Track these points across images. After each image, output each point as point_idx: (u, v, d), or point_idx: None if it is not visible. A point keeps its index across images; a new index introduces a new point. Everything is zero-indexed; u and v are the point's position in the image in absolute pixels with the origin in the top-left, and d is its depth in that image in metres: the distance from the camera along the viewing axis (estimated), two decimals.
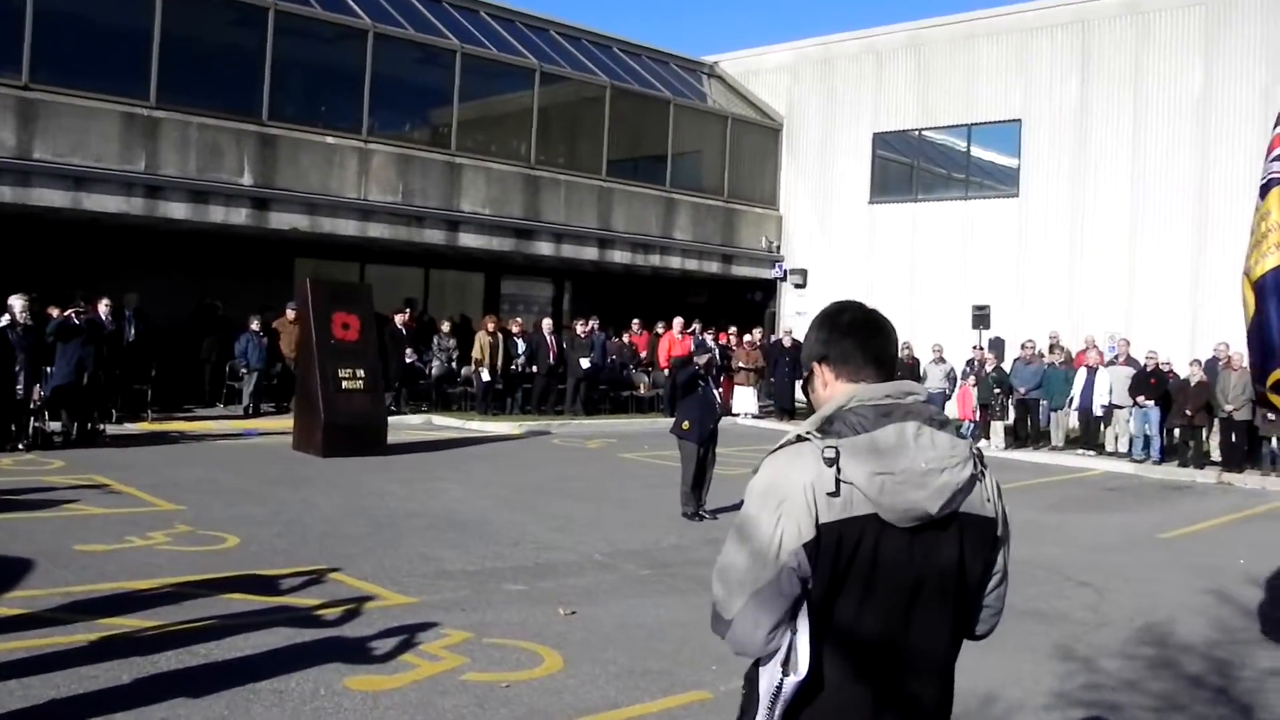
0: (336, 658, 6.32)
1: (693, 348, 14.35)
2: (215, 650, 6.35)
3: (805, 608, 2.32)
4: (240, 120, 19.29)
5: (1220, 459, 17.99)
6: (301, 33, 20.65)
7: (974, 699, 6.05)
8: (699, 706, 5.97)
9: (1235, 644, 7.79)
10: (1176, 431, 18.67)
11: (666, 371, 23.88)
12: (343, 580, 8.27)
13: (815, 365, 2.60)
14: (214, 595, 7.55)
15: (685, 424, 12.00)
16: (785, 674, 2.32)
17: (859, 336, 2.55)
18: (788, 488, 2.32)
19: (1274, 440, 17.35)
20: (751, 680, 2.44)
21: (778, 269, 29.09)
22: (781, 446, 2.43)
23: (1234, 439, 17.61)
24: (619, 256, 25.63)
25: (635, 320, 25.54)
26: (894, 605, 2.35)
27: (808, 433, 2.41)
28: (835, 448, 2.34)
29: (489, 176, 22.87)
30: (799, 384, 22.80)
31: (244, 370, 19.52)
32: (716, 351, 13.97)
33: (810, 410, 2.57)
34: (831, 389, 2.55)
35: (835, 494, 2.31)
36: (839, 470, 2.31)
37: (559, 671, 6.37)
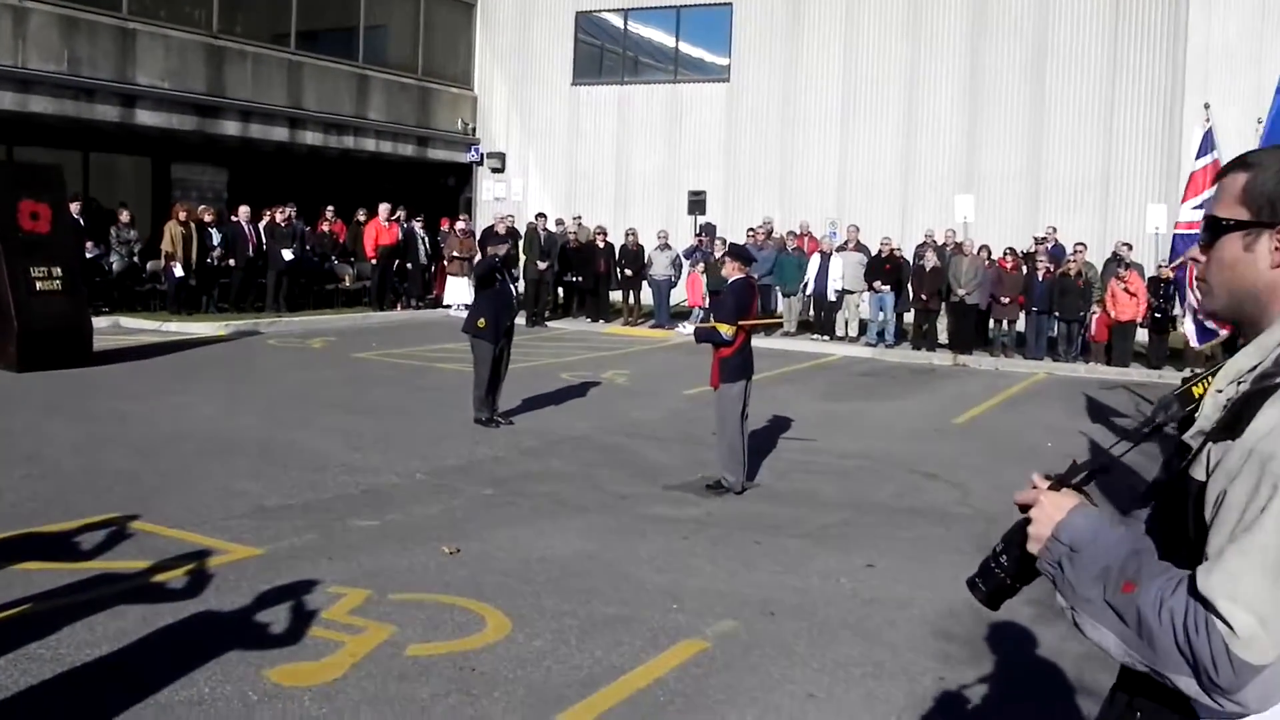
0: (232, 644, 4.90)
1: (483, 237, 13.12)
2: (62, 649, 4.76)
3: None
4: None
5: (948, 342, 18.40)
6: None
7: (969, 613, 5.53)
8: (705, 659, 5.06)
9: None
10: (907, 316, 19.07)
11: (374, 262, 22.18)
12: (153, 530, 6.68)
13: (1276, 234, 1.73)
14: (3, 566, 5.82)
15: (480, 321, 10.79)
16: None
17: None
18: None
19: (1003, 323, 18.01)
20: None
21: (473, 152, 27.64)
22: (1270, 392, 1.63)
23: (964, 323, 18.07)
24: (310, 138, 23.39)
25: (329, 207, 23.32)
26: None
27: None
28: None
29: (167, 45, 19.98)
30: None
31: None
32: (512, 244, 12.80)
33: None
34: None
35: None
36: None
37: (516, 633, 5.25)
